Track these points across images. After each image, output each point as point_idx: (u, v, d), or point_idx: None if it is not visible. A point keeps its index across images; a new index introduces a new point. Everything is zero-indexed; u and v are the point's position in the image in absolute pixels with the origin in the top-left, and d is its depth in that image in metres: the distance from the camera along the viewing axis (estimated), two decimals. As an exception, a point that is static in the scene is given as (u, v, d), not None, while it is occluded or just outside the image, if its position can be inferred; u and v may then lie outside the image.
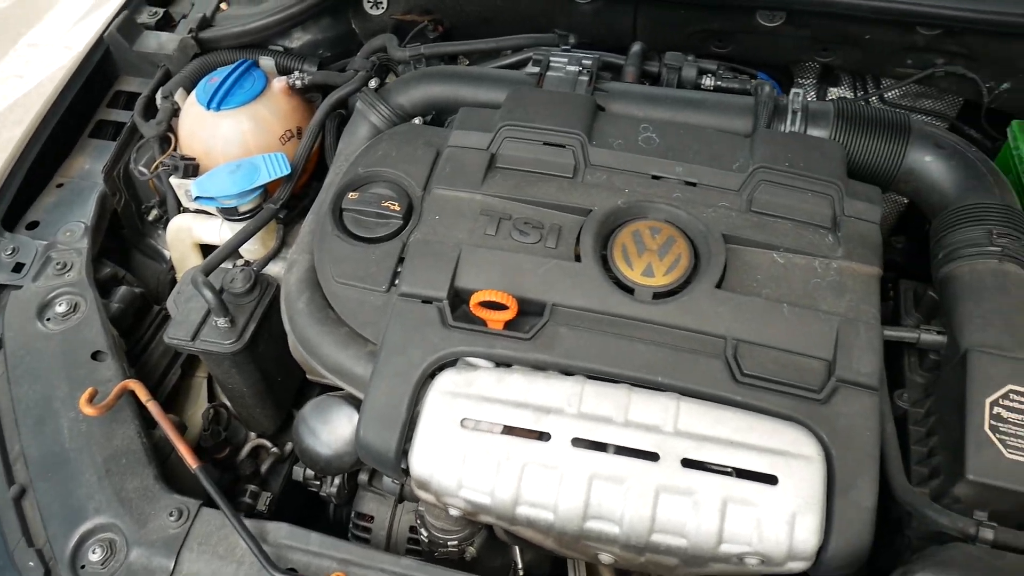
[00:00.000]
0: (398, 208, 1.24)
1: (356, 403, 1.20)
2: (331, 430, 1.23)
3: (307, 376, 1.41)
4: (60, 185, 1.47)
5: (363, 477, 1.43)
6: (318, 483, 1.45)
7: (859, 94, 1.79)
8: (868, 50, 1.60)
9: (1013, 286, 1.17)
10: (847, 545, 1.00)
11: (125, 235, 1.58)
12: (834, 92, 1.82)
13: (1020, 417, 1.04)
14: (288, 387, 1.43)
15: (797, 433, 1.04)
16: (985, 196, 1.25)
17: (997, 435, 1.03)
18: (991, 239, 1.19)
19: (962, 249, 1.21)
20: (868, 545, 1.01)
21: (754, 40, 1.62)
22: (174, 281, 1.57)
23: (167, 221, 1.51)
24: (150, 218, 1.56)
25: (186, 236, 1.47)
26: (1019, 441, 1.02)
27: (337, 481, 1.44)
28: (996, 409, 1.04)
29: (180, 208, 1.49)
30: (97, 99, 1.63)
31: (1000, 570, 0.93)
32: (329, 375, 1.19)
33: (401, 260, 1.19)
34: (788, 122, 1.35)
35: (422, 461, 1.06)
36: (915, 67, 1.61)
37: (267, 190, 1.39)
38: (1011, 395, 1.05)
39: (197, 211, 1.46)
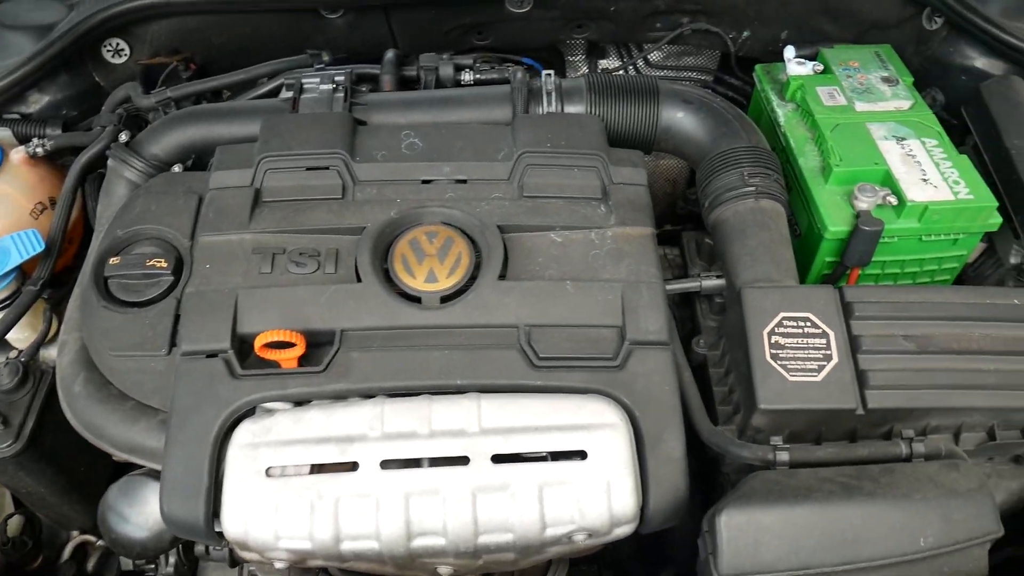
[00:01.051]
0: (166, 264, 1.17)
1: (160, 477, 1.14)
2: (140, 511, 1.15)
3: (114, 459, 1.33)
4: None
5: (200, 548, 1.35)
6: (152, 567, 1.36)
7: (625, 61, 1.86)
8: (618, 21, 1.66)
9: (771, 220, 1.25)
10: (666, 497, 1.04)
11: None
12: (603, 63, 1.89)
13: (794, 340, 1.10)
14: (96, 473, 1.33)
15: (598, 404, 1.06)
16: (735, 141, 1.33)
17: (778, 362, 1.09)
18: (744, 180, 1.26)
19: (723, 194, 1.27)
20: (685, 493, 1.05)
21: (511, 27, 1.65)
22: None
23: None
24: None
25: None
26: (797, 363, 1.09)
27: (172, 559, 1.36)
28: (774, 338, 1.11)
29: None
30: None
31: (795, 487, 0.99)
32: (123, 455, 1.11)
33: (178, 318, 1.13)
34: (545, 104, 1.38)
35: (234, 521, 1.01)
36: (666, 29, 1.69)
37: (24, 271, 1.28)
38: (784, 321, 1.12)
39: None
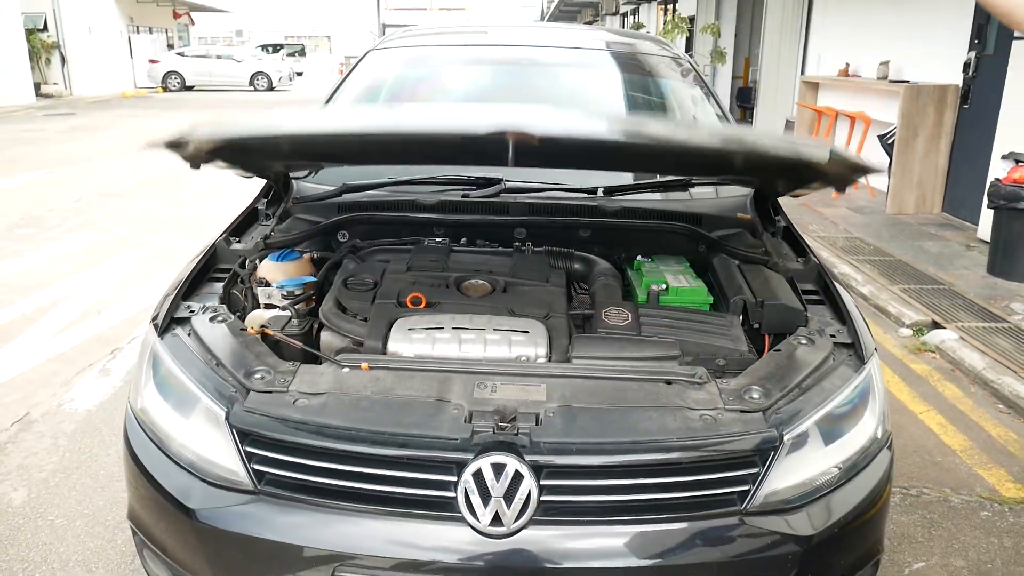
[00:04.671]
0: (372, 280, 2.98)
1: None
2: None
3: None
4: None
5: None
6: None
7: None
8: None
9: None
10: (559, 355, 2.67)
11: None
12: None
13: (615, 317, 2.83)
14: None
15: (535, 322, 2.76)
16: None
17: (606, 319, 2.80)
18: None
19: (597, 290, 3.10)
20: (567, 357, 2.67)
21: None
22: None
23: (244, 316, 3.08)
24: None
25: (257, 320, 3.03)
26: (615, 321, 2.80)
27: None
28: (607, 315, 2.83)
29: (256, 306, 3.10)
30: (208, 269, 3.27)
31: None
32: (344, 333, 2.78)
33: (375, 297, 2.90)
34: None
35: (393, 345, 2.66)
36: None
37: (305, 288, 3.07)
38: (611, 309, 2.85)
39: (267, 306, 3.08)
